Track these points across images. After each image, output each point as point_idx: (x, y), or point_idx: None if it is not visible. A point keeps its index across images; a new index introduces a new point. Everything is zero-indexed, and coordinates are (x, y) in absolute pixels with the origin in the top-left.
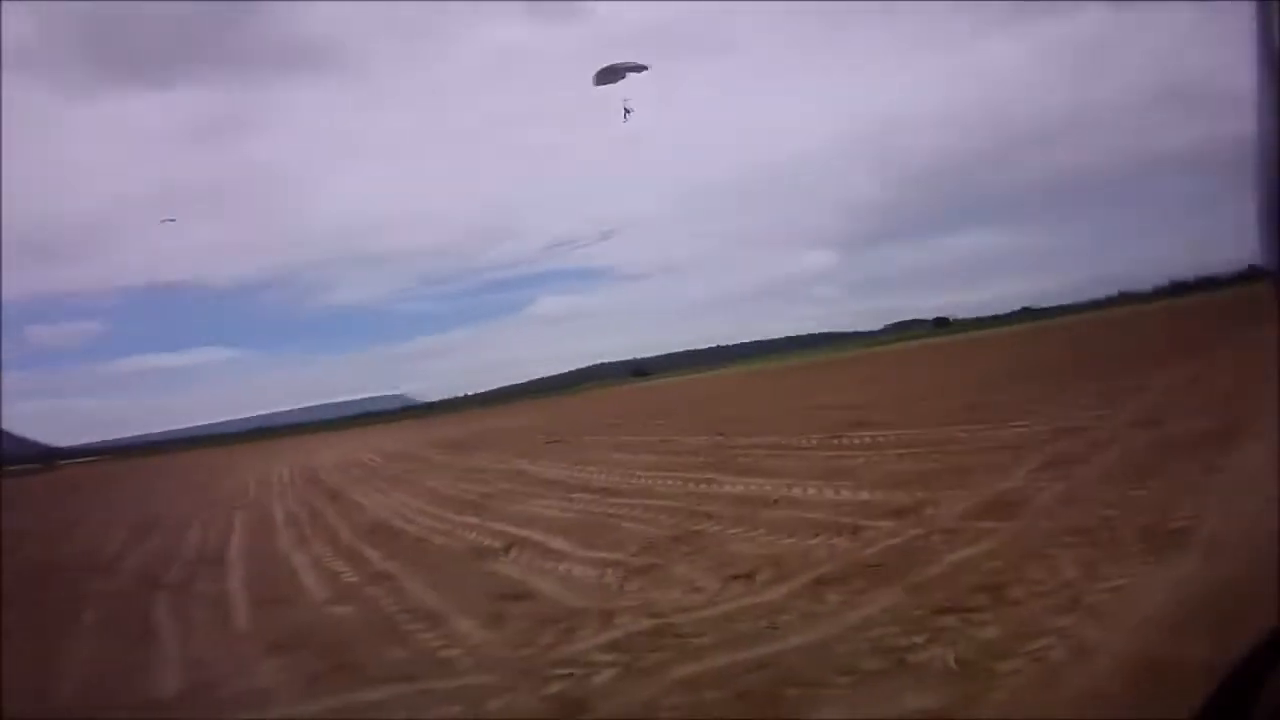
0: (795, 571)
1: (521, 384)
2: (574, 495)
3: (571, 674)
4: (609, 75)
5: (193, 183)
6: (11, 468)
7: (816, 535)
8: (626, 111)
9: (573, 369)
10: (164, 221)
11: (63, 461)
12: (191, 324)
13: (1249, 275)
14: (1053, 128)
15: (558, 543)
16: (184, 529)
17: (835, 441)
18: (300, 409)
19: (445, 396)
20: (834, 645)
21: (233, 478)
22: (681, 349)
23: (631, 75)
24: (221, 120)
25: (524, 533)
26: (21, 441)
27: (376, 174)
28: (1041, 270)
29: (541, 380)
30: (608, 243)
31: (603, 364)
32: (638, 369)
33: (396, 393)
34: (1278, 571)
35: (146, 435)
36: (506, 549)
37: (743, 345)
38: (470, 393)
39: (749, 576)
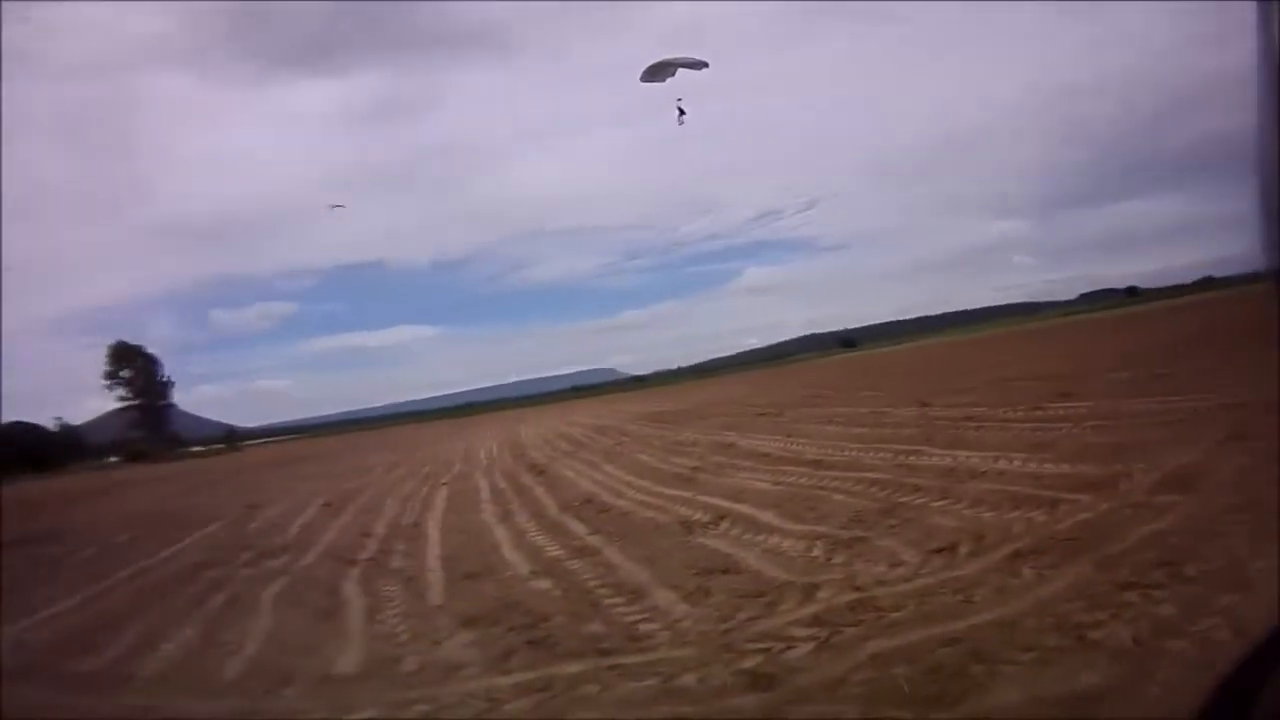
0: (994, 545)
1: (730, 356)
2: (784, 468)
3: (768, 649)
4: (658, 72)
5: (375, 165)
6: (196, 449)
7: (1016, 508)
8: (681, 113)
9: (781, 340)
10: (334, 207)
11: (251, 442)
12: (386, 303)
13: None
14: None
15: (766, 516)
16: (380, 505)
17: (1037, 413)
18: (508, 384)
19: (655, 370)
20: (1022, 620)
21: (437, 453)
22: (887, 319)
23: (685, 73)
24: (397, 103)
25: (733, 506)
26: (206, 423)
27: (568, 151)
28: (1223, 237)
29: (751, 352)
30: (809, 213)
31: (810, 335)
32: (845, 339)
33: (606, 366)
34: (1278, 570)
35: (343, 413)
36: (715, 522)
37: (945, 315)
38: (680, 366)
39: (950, 550)
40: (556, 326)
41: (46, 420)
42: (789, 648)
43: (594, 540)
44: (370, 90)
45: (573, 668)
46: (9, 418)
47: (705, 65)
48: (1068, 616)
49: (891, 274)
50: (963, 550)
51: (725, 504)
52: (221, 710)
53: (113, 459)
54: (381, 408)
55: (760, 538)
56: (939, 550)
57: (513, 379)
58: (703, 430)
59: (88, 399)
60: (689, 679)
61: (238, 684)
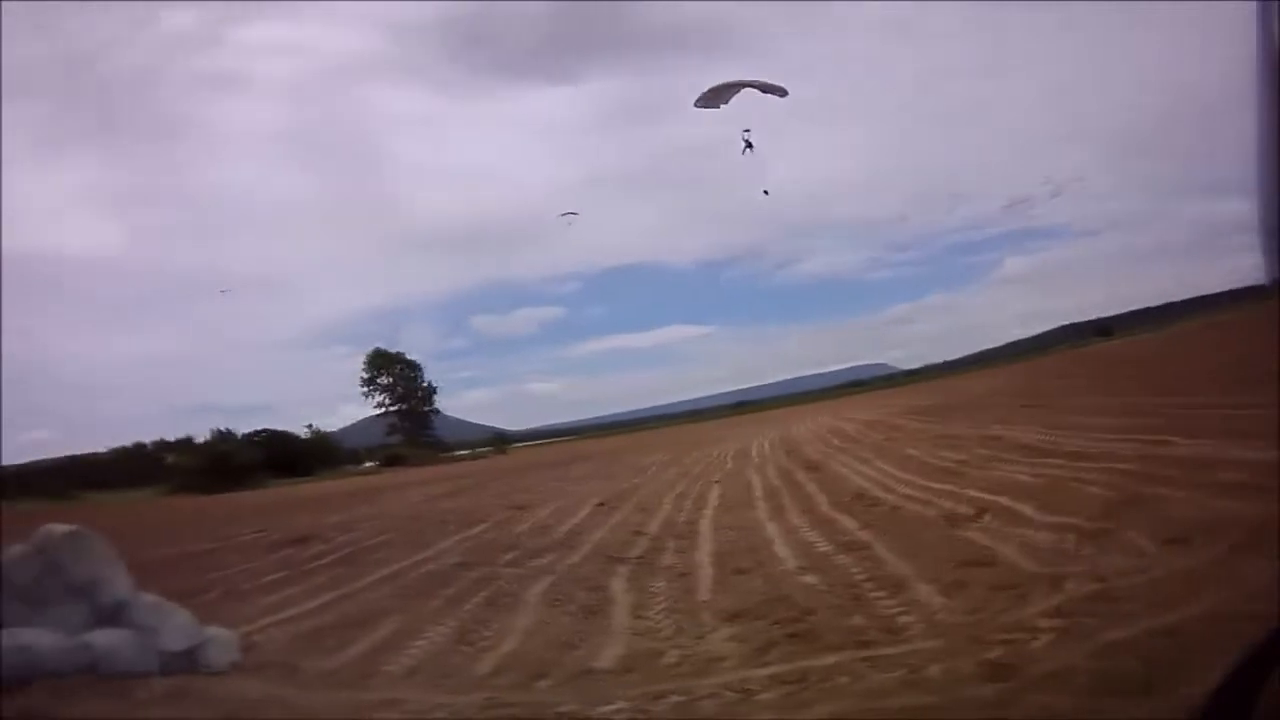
0: (1223, 535)
1: (997, 347)
2: (1044, 460)
3: (1013, 640)
4: (719, 95)
5: (626, 167)
6: (460, 452)
7: (1247, 497)
8: (747, 145)
9: (1042, 330)
10: (564, 215)
11: (520, 445)
12: (655, 304)
13: None
14: None
15: (1024, 508)
16: (653, 504)
17: None
18: (779, 382)
19: (924, 363)
20: (1225, 610)
21: (710, 452)
22: (1139, 305)
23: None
24: (640, 106)
25: (995, 498)
26: (475, 427)
27: (815, 144)
28: None
29: (1015, 343)
30: (1057, 200)
31: (1068, 324)
32: (1101, 328)
33: (878, 361)
34: (1278, 571)
35: (614, 415)
36: (978, 515)
37: (1188, 301)
38: (948, 358)
39: (1185, 541)
40: (826, 322)
41: (297, 428)
42: (1031, 638)
43: (863, 535)
44: (609, 95)
45: (828, 660)
46: (258, 426)
47: (782, 92)
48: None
49: (1136, 258)
50: (1196, 540)
51: (988, 497)
52: (468, 703)
53: (369, 464)
54: (653, 408)
55: (1018, 530)
56: (1174, 540)
57: (784, 376)
58: (969, 423)
59: (344, 407)
60: (935, 670)
61: (489, 678)
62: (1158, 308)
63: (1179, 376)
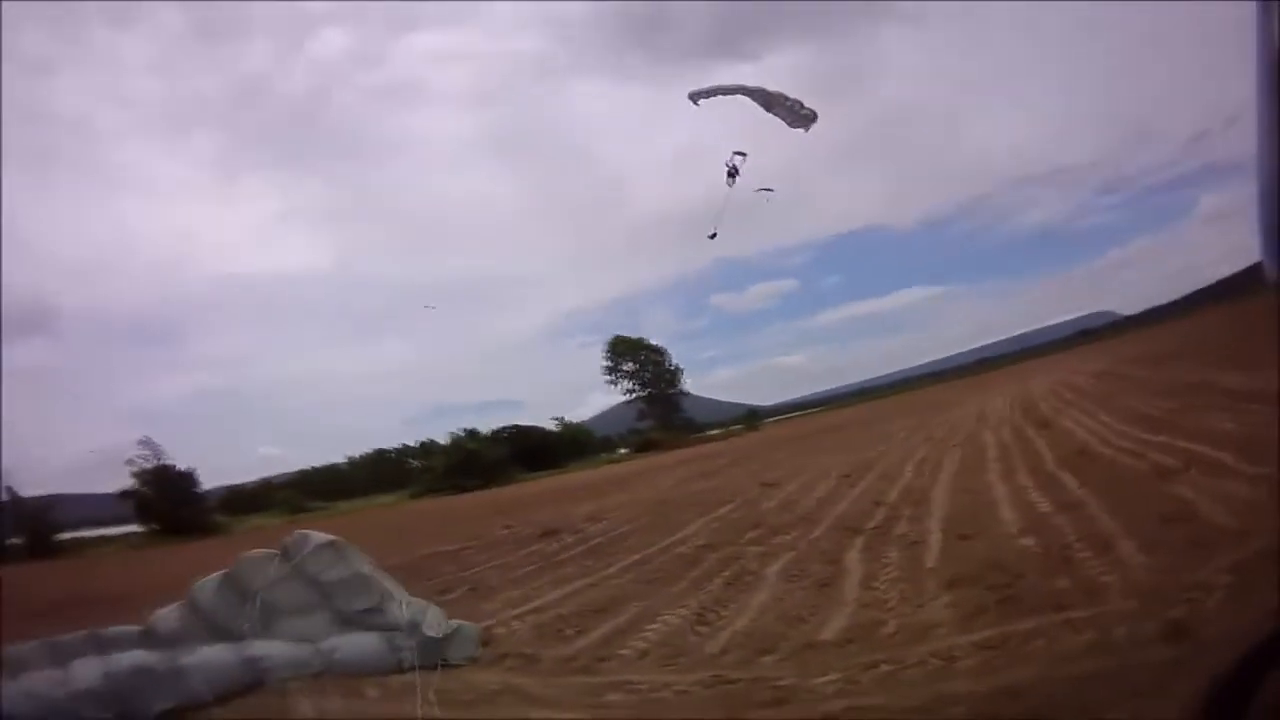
0: None
1: (1207, 287)
2: (1252, 406)
3: (1194, 598)
4: (707, 94)
5: (835, 138)
6: (713, 432)
7: None
8: (731, 173)
9: (1244, 267)
10: (760, 190)
11: (770, 420)
12: (886, 267)
13: None
14: None
15: (1227, 457)
16: (896, 472)
17: None
18: (1014, 337)
19: (1143, 308)
20: None
21: (951, 415)
22: None
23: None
24: (847, 73)
25: (1202, 449)
26: (725, 406)
27: (1009, 100)
28: None
29: (1224, 281)
30: (1234, 129)
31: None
32: None
33: (1103, 309)
34: (1278, 571)
35: (860, 383)
36: (1185, 467)
37: None
38: (1166, 300)
39: None
40: (1049, 273)
41: (545, 421)
42: (1209, 596)
43: (1080, 493)
44: (801, 68)
45: (1028, 624)
46: (507, 422)
47: (800, 117)
48: None
49: None
50: None
51: (1195, 447)
52: (694, 680)
53: (622, 451)
54: (896, 373)
55: (1218, 482)
56: None
57: (1018, 331)
58: (1186, 368)
59: (592, 396)
60: (1120, 630)
61: (717, 656)
62: None
63: None
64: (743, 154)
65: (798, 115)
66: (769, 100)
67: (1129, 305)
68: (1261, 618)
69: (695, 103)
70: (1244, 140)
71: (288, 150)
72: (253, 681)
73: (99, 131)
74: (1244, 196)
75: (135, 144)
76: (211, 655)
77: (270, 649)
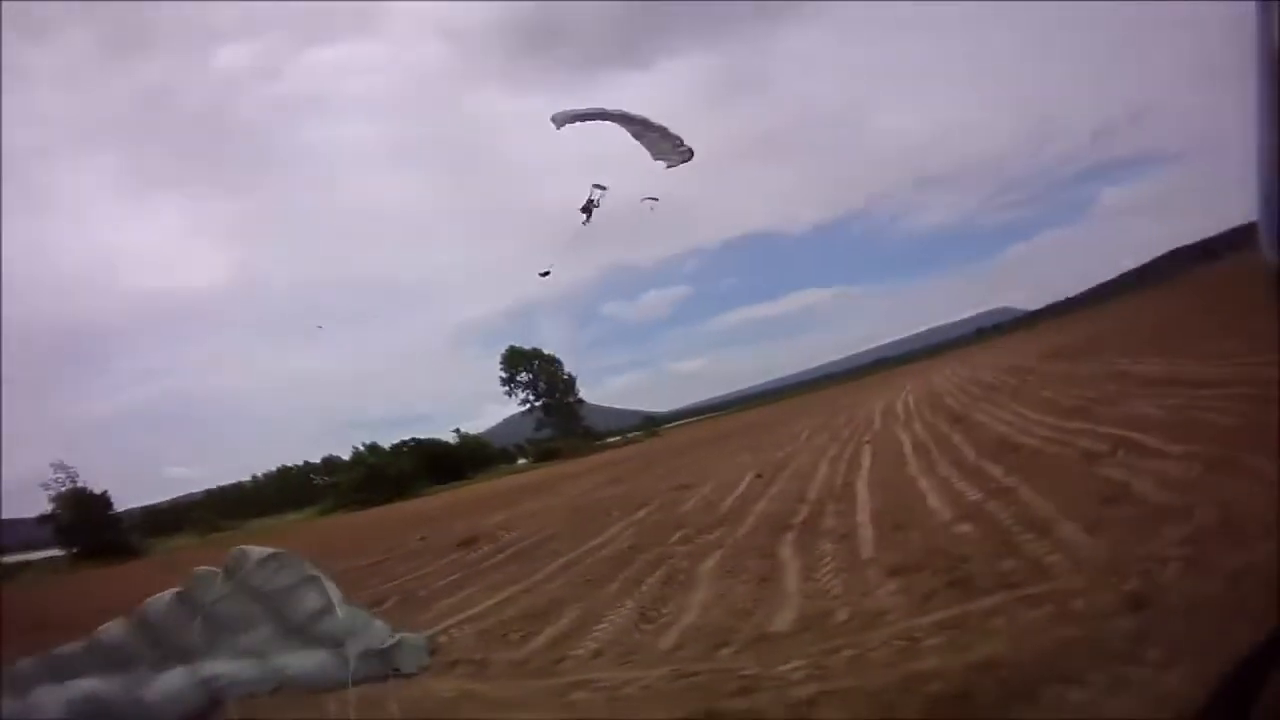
0: None
1: (1112, 280)
2: (1169, 391)
3: (1147, 570)
4: (570, 119)
5: (732, 140)
6: (612, 439)
7: None
8: (588, 208)
9: (1151, 259)
10: (645, 200)
11: (670, 425)
12: (779, 272)
13: None
14: None
15: (1153, 441)
16: (809, 470)
17: None
18: (912, 336)
19: (1046, 303)
20: None
21: (856, 413)
22: (1237, 223)
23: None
24: (737, 80)
25: (1126, 433)
26: (623, 414)
27: (910, 98)
28: None
29: (1128, 274)
30: (1140, 126)
31: (1177, 248)
32: (1207, 250)
33: (1002, 305)
34: (1278, 572)
35: (758, 385)
36: (1113, 451)
37: None
38: (1068, 296)
39: None
40: (948, 271)
41: (444, 434)
42: (1162, 568)
43: (1009, 480)
44: (693, 75)
45: (985, 603)
46: (406, 437)
47: (674, 152)
48: None
49: (1233, 177)
50: None
51: (1119, 432)
52: (656, 676)
53: (522, 461)
54: (794, 375)
55: (1149, 463)
56: None
57: (916, 330)
58: (1096, 362)
59: (488, 407)
60: (1079, 603)
61: (673, 651)
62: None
63: None
64: (603, 187)
65: (674, 150)
66: (640, 130)
67: (1030, 301)
68: (1225, 587)
69: (558, 127)
70: (1147, 135)
71: (194, 164)
72: (209, 703)
73: (12, 149)
74: (1141, 192)
75: (45, 162)
76: (169, 680)
77: (224, 668)
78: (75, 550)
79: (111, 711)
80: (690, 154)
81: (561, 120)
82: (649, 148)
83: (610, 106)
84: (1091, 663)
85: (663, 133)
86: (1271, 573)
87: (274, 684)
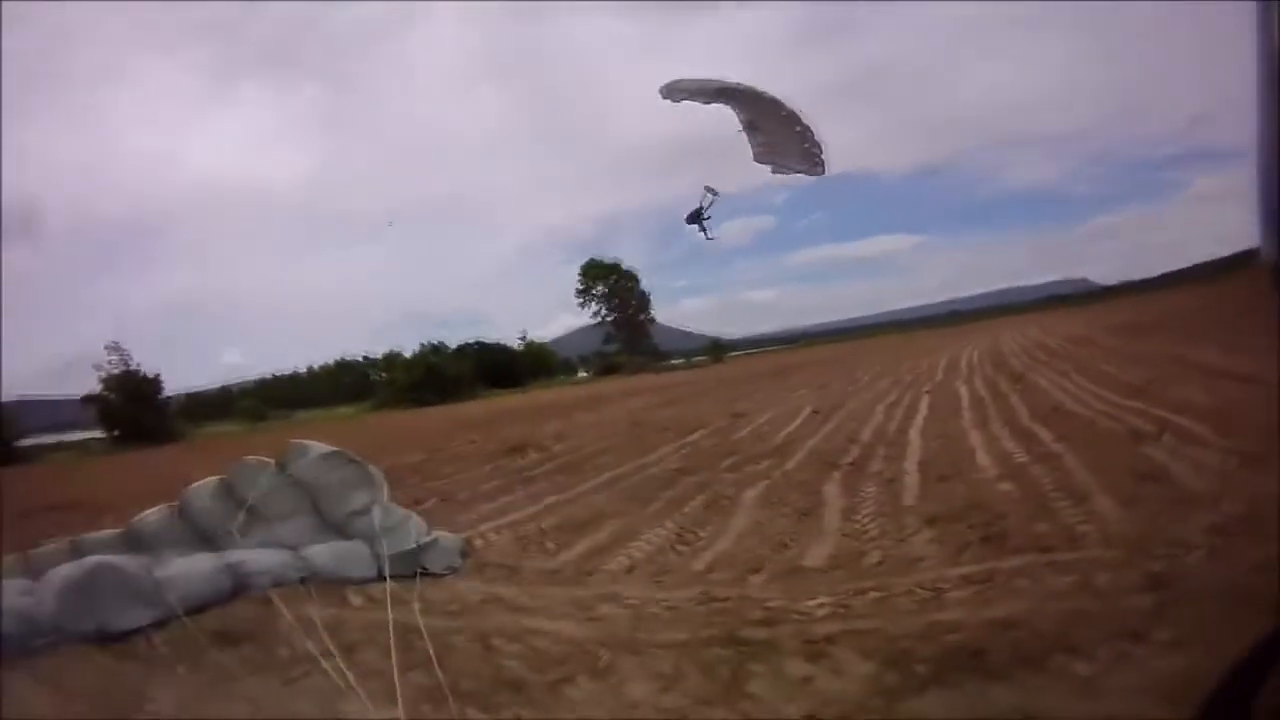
0: None
1: (1190, 266)
2: (1219, 381)
3: (1173, 554)
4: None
5: (828, 83)
6: (676, 361)
7: None
8: (698, 216)
9: (1232, 252)
10: (740, 130)
11: (736, 353)
12: (864, 213)
13: None
14: None
15: (1200, 428)
16: (866, 413)
17: None
18: (989, 293)
19: (1122, 279)
20: None
21: (921, 361)
22: None
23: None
24: (839, 18)
25: (1175, 418)
26: (691, 336)
27: (1009, 55)
28: None
29: (1208, 263)
30: (1235, 118)
31: (1255, 248)
32: None
33: (1078, 276)
34: (1278, 571)
35: (828, 323)
36: (1160, 433)
37: None
38: (1144, 275)
39: None
40: (1030, 233)
41: (508, 338)
42: (1187, 553)
43: (1057, 447)
44: (801, 13)
45: (1014, 562)
46: (475, 337)
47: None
48: None
49: None
50: None
51: (1169, 415)
52: (684, 596)
53: (582, 374)
54: (866, 317)
55: (1191, 449)
56: None
57: (995, 287)
58: (1160, 342)
59: (560, 317)
60: (1103, 577)
61: (704, 574)
62: None
63: None
64: (715, 191)
65: (801, 156)
66: (759, 120)
67: (1106, 276)
68: (1244, 575)
69: (673, 101)
70: (1242, 127)
71: (279, 66)
72: (234, 589)
73: (99, 37)
74: (1237, 182)
75: (133, 52)
76: (192, 563)
77: (250, 556)
78: (116, 433)
79: (130, 585)
80: (822, 169)
81: (675, 94)
82: (758, 146)
83: (730, 77)
84: (1102, 635)
85: (802, 133)
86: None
87: (301, 574)
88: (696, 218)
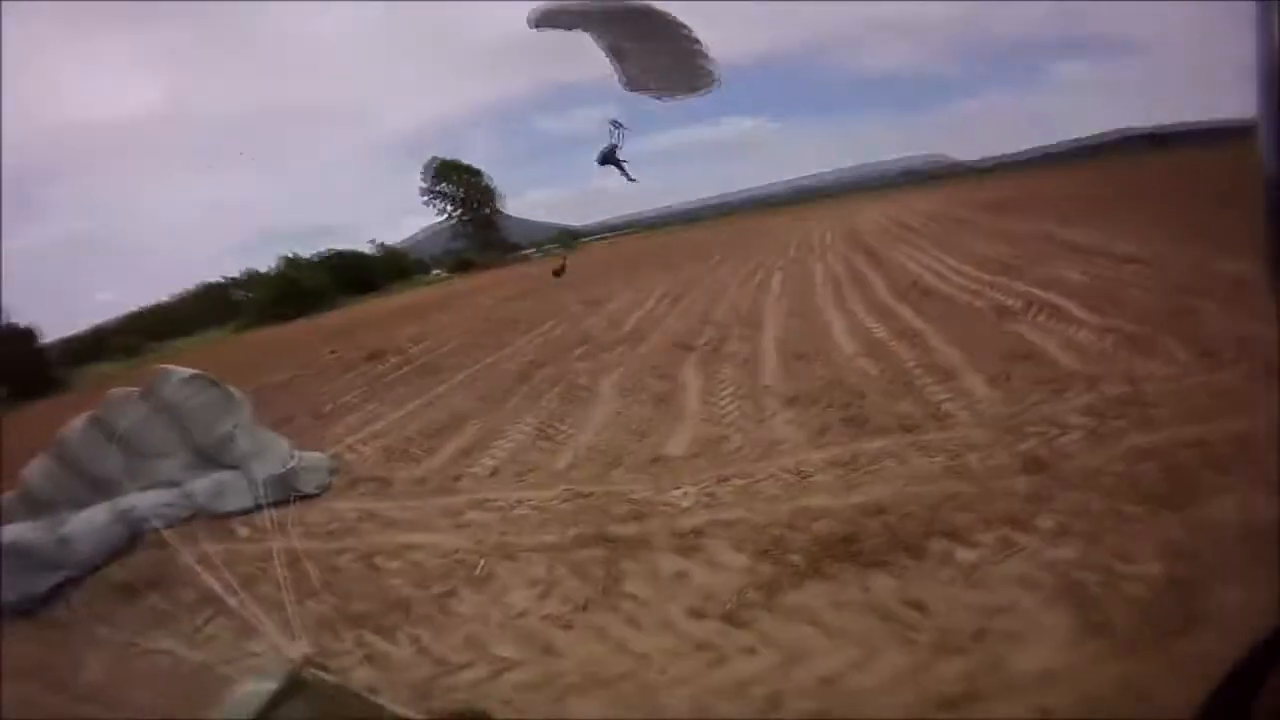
0: (1260, 357)
1: (1056, 150)
2: (1094, 259)
3: (1045, 433)
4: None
5: None
6: (528, 252)
7: None
8: (611, 155)
9: (1096, 133)
10: None
11: (587, 239)
12: (719, 97)
13: None
14: None
15: (1071, 307)
16: (718, 293)
17: None
18: (840, 170)
19: (984, 155)
20: (1250, 431)
21: (772, 241)
22: (1200, 119)
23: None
24: None
25: (1044, 295)
26: (541, 226)
27: None
28: None
29: (1070, 143)
30: (1099, 11)
31: (1125, 131)
32: (1156, 139)
33: (936, 153)
34: (1278, 571)
35: (678, 207)
36: (1026, 310)
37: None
38: (1006, 153)
39: (1216, 354)
40: (886, 117)
41: (361, 245)
42: (1062, 434)
43: (917, 324)
44: None
45: (878, 443)
46: (327, 248)
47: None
48: None
49: (1200, 74)
50: (1227, 354)
51: (1038, 293)
52: (549, 496)
53: (436, 273)
54: (716, 198)
55: (1062, 327)
56: (1209, 354)
57: (846, 164)
58: (1026, 220)
59: (407, 220)
60: (973, 458)
61: (567, 471)
62: (1211, 127)
63: (1237, 192)
64: (621, 124)
65: (692, 77)
66: (633, 44)
67: (969, 154)
68: (1128, 461)
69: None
70: (1110, 19)
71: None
72: (130, 535)
73: None
74: (1104, 72)
75: None
76: (90, 517)
77: (140, 500)
78: (4, 392)
79: (37, 555)
80: (709, 84)
81: (541, 22)
82: (628, 73)
83: None
84: (980, 521)
85: (694, 51)
86: (1172, 458)
87: (189, 512)
88: (611, 157)
